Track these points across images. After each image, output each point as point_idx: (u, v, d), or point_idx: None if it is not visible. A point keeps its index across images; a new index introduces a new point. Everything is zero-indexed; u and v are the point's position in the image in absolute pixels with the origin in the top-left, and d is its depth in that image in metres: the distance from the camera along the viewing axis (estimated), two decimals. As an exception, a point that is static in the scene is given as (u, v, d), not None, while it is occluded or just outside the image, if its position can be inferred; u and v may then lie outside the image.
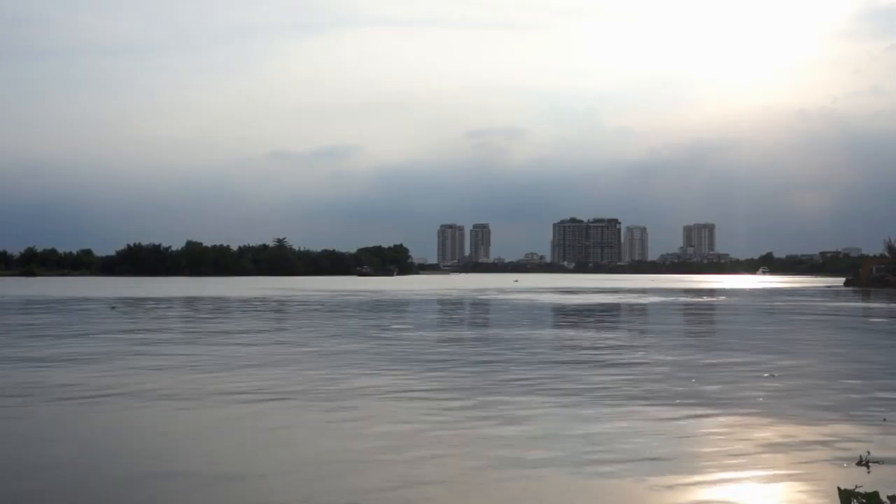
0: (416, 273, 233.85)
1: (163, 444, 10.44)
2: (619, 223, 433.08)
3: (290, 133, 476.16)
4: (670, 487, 8.47)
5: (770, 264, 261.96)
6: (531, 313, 41.69)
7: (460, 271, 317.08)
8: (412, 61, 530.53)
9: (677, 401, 13.54)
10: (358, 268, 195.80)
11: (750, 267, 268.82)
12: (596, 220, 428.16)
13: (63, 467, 9.24)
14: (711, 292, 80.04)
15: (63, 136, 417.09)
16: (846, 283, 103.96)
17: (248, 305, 48.59)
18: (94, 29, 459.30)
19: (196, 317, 38.70)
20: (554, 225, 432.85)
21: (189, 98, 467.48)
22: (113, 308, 43.75)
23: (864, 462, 9.10)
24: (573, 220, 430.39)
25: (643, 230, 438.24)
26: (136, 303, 50.79)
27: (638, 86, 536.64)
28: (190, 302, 53.17)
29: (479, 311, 47.07)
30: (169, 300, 55.02)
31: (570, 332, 29.45)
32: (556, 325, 33.97)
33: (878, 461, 9.17)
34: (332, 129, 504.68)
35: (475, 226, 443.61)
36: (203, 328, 30.61)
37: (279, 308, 46.52)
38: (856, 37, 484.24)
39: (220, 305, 48.56)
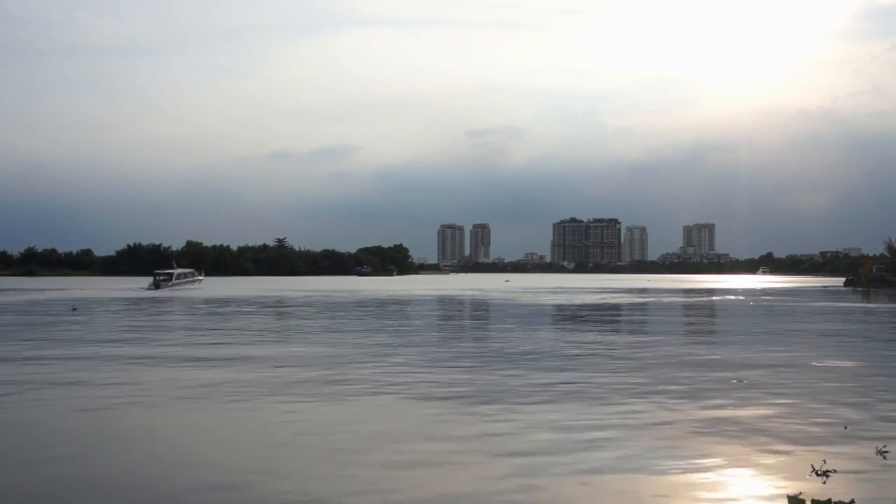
0: (416, 273, 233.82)
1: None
2: (619, 223, 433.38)
3: (290, 133, 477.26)
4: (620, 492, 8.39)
5: (770, 264, 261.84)
6: (482, 313, 41.81)
7: (460, 271, 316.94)
8: (412, 61, 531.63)
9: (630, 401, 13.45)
10: (358, 268, 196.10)
11: (750, 267, 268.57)
12: (596, 220, 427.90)
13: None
14: (710, 292, 79.87)
15: (63, 136, 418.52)
16: (846, 283, 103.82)
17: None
18: (93, 29, 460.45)
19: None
20: (554, 225, 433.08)
21: (189, 98, 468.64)
22: (74, 309, 43.15)
23: (819, 472, 8.99)
24: (573, 220, 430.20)
25: (643, 230, 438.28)
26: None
27: (638, 86, 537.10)
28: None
29: (433, 309, 48.04)
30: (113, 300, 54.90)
31: (518, 334, 28.38)
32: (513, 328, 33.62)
33: (835, 471, 9.05)
34: (332, 129, 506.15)
35: (475, 226, 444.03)
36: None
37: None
38: (856, 37, 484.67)
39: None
